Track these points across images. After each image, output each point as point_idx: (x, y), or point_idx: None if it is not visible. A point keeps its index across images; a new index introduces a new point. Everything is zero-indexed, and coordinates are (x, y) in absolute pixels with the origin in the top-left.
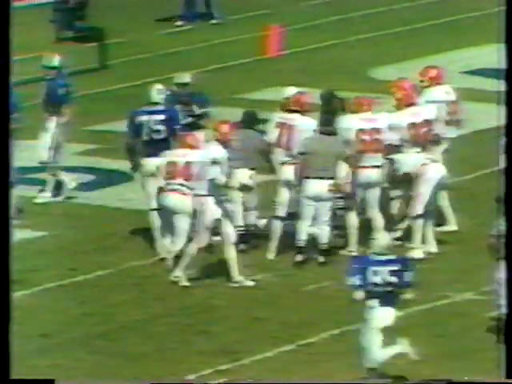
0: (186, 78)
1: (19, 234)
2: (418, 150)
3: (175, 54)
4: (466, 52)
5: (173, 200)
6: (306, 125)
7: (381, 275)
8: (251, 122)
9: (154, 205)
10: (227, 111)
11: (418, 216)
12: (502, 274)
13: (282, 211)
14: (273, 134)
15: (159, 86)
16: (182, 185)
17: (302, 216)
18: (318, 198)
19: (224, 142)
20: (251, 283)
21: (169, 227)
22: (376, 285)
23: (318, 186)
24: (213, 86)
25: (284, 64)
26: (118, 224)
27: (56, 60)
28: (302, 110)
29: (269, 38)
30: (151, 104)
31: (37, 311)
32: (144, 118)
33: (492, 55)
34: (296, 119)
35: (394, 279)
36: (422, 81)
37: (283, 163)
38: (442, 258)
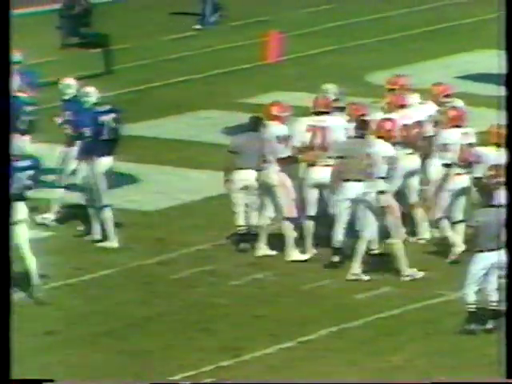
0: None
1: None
2: (410, 151)
3: (178, 60)
4: (460, 57)
5: None
6: (337, 125)
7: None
8: (256, 125)
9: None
10: (228, 115)
11: (440, 219)
12: (473, 266)
13: (312, 211)
14: (303, 137)
15: (92, 88)
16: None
17: (338, 218)
18: (356, 200)
19: (389, 139)
20: (421, 274)
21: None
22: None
23: (357, 188)
24: (215, 91)
25: (284, 69)
26: (124, 224)
27: (18, 55)
28: (330, 112)
29: (269, 44)
30: (101, 104)
31: (43, 309)
32: (105, 117)
33: (485, 61)
34: (327, 120)
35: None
36: (392, 89)
37: (313, 164)
38: (437, 256)
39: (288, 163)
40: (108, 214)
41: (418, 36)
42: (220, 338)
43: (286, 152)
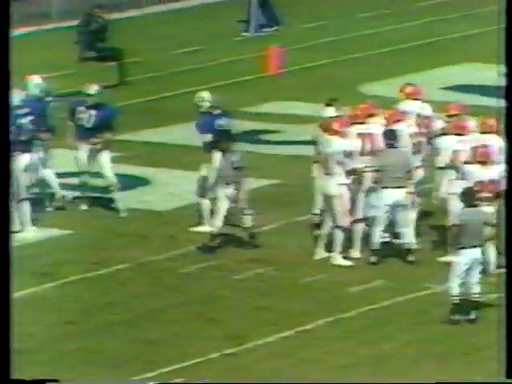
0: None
1: (48, 232)
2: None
3: (186, 72)
4: (444, 70)
5: None
6: (380, 132)
7: None
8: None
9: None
10: (232, 123)
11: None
12: (457, 261)
13: (361, 215)
14: (355, 143)
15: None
16: None
17: (377, 222)
18: (395, 205)
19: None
20: None
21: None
22: None
23: (395, 195)
24: (220, 100)
25: (283, 80)
26: (136, 223)
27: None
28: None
29: (270, 58)
30: (20, 108)
31: (63, 301)
32: (22, 120)
33: (467, 73)
34: (372, 127)
35: None
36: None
37: (364, 171)
38: (425, 252)
39: (350, 174)
40: (26, 207)
41: (406, 50)
42: (225, 328)
43: (351, 164)
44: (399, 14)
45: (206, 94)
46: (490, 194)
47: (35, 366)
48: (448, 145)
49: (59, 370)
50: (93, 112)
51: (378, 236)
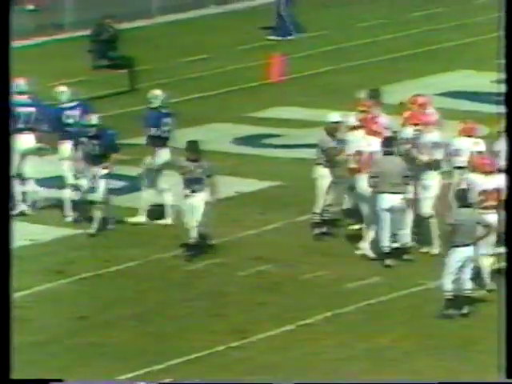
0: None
1: (62, 232)
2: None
3: (193, 79)
4: (439, 77)
5: None
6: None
7: None
8: (196, 149)
9: None
10: (238, 127)
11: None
12: (450, 259)
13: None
14: (358, 146)
15: None
16: None
17: (382, 226)
18: (392, 210)
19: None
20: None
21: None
22: None
23: (392, 200)
24: (226, 106)
25: (286, 87)
26: (145, 223)
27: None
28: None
29: (272, 65)
30: None
31: (76, 297)
32: None
33: (461, 80)
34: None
35: None
36: (411, 108)
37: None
38: (420, 250)
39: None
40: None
41: (403, 58)
42: (229, 322)
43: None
44: (396, 23)
45: (159, 93)
46: (494, 203)
47: (49, 358)
48: (465, 146)
49: (72, 362)
50: (95, 141)
51: (387, 239)
